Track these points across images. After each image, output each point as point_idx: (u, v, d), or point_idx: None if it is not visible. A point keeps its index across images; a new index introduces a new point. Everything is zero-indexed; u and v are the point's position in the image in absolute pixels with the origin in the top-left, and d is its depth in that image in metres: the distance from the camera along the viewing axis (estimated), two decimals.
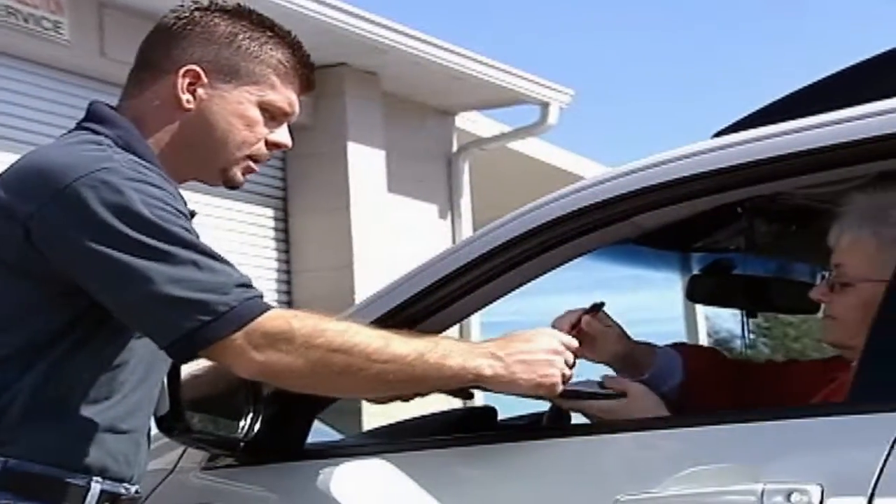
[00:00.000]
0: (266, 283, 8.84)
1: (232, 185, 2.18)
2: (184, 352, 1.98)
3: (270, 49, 2.14)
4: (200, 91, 2.11)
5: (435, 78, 9.18)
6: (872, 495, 1.74)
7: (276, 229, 9.00)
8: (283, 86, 2.15)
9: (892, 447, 1.75)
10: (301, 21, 7.87)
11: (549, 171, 10.46)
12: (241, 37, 2.13)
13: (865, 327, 2.11)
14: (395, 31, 8.68)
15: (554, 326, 2.30)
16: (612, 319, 2.37)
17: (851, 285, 2.19)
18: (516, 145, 10.42)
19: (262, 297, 1.99)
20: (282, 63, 2.15)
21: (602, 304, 2.36)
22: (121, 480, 2.08)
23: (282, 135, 2.17)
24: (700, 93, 38.30)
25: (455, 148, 9.95)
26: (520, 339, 2.07)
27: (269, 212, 8.96)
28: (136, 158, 2.04)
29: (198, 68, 2.11)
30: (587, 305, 2.35)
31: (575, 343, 2.13)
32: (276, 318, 1.97)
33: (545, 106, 9.77)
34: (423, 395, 2.14)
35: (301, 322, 1.97)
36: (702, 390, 2.36)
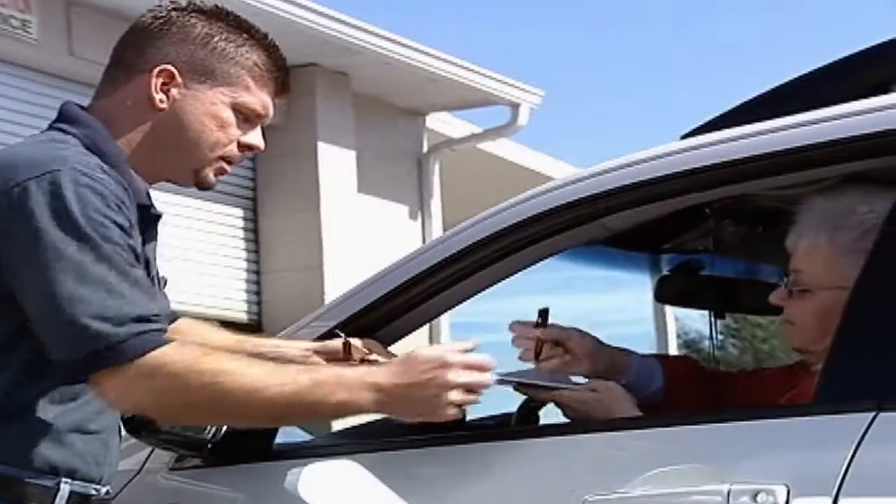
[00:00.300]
0: (236, 283, 8.82)
1: (204, 186, 2.17)
2: (68, 375, 1.97)
3: (246, 51, 2.14)
4: (174, 91, 2.11)
5: (405, 78, 9.18)
6: (838, 495, 1.75)
7: (245, 229, 8.97)
8: (257, 88, 2.15)
9: (857, 447, 1.76)
10: (271, 21, 7.84)
11: (519, 172, 10.48)
12: (217, 38, 2.13)
13: (824, 333, 2.13)
14: (366, 31, 8.68)
15: (517, 337, 2.32)
16: (582, 331, 2.38)
17: (809, 291, 2.20)
18: (486, 146, 10.43)
19: (160, 330, 1.96)
20: (257, 65, 2.14)
21: (546, 310, 2.37)
22: (91, 481, 2.07)
23: (254, 137, 2.17)
24: (671, 94, 38.46)
25: (425, 149, 9.95)
26: (411, 370, 2.02)
27: (239, 212, 8.93)
28: (97, 162, 2.03)
29: (172, 68, 2.11)
30: (536, 318, 2.36)
31: (481, 363, 2.05)
32: (160, 357, 1.93)
33: (515, 107, 9.78)
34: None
35: (185, 361, 1.94)
36: (682, 395, 2.38)
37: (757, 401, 2.33)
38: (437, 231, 9.67)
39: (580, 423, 2.20)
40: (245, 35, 2.15)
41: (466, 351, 2.06)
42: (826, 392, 1.89)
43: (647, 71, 38.85)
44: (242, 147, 2.16)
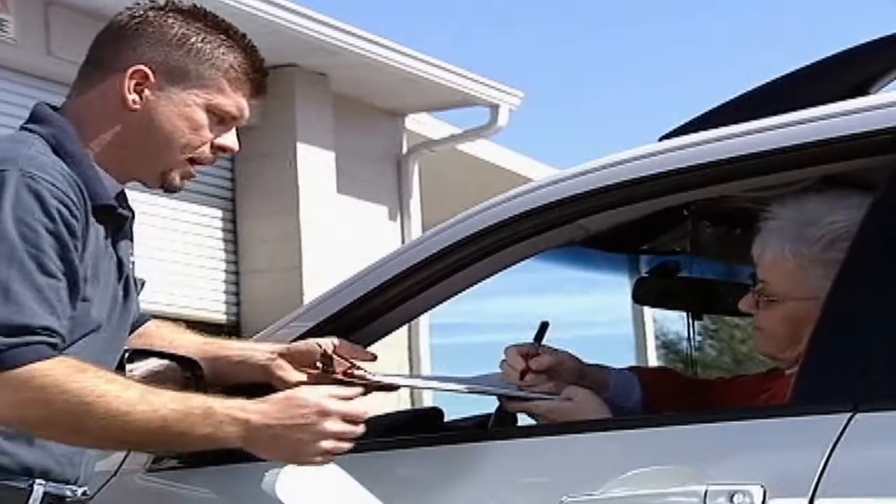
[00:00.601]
0: (214, 283, 8.80)
1: (169, 188, 2.16)
2: None
3: (223, 53, 2.12)
4: (147, 92, 2.10)
5: (385, 79, 9.17)
6: (813, 496, 1.75)
7: (224, 230, 8.95)
8: (232, 90, 2.13)
9: (832, 449, 1.77)
10: (250, 21, 7.82)
11: (498, 173, 10.48)
12: (193, 39, 2.11)
13: (792, 341, 2.14)
14: (346, 32, 8.67)
15: (506, 363, 2.31)
16: (559, 351, 2.37)
17: (776, 301, 2.20)
18: (466, 147, 10.43)
19: (45, 344, 1.94)
20: (233, 67, 2.13)
21: (546, 325, 2.37)
22: (65, 482, 2.06)
23: (229, 138, 2.16)
24: (650, 96, 38.56)
25: (405, 149, 9.95)
26: (287, 411, 2.00)
27: (218, 213, 8.91)
28: (54, 162, 2.01)
29: (146, 69, 2.10)
30: (532, 339, 2.35)
31: (357, 414, 2.04)
32: (31, 371, 1.91)
33: (495, 108, 9.79)
34: None
35: (54, 378, 1.92)
36: (661, 406, 2.38)
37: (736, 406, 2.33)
38: (416, 232, 9.67)
39: (558, 424, 2.20)
40: (223, 36, 2.14)
41: (347, 398, 2.05)
42: (802, 394, 1.90)
43: (627, 73, 38.94)
44: (216, 149, 2.15)
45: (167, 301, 8.17)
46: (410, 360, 9.47)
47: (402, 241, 9.51)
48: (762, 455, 1.84)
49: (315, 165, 8.99)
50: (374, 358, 2.28)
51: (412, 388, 1.90)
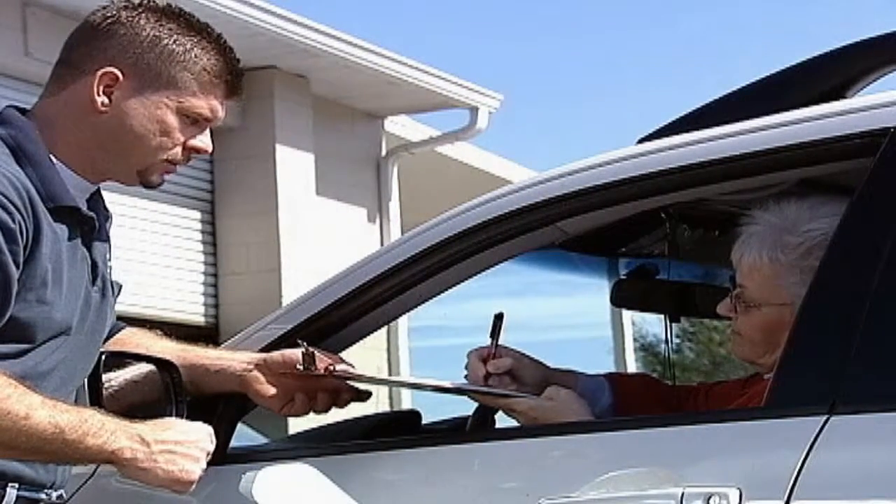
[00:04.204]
0: (193, 285, 8.79)
1: (148, 185, 2.14)
2: None
3: (196, 55, 2.09)
4: (117, 94, 2.07)
5: (365, 81, 9.17)
6: (789, 498, 1.76)
7: (203, 232, 8.93)
8: (205, 92, 2.10)
9: (808, 451, 1.77)
10: (230, 23, 7.81)
11: (478, 176, 10.49)
12: (166, 40, 2.08)
13: (770, 346, 2.15)
14: (326, 34, 8.66)
15: (470, 366, 2.31)
16: (518, 352, 2.37)
17: (754, 307, 2.21)
18: (445, 149, 10.44)
19: None
20: (206, 70, 2.10)
21: (501, 316, 2.36)
22: (40, 486, 2.05)
23: (202, 140, 2.13)
24: (629, 98, 38.64)
25: (384, 152, 9.95)
26: (175, 430, 2.05)
27: (197, 214, 8.89)
28: (5, 163, 1.98)
29: (117, 71, 2.07)
30: (493, 337, 2.34)
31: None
32: None
33: (474, 110, 9.80)
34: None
35: None
36: (632, 411, 2.38)
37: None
38: (395, 234, 9.67)
39: (536, 427, 2.20)
40: (197, 37, 2.11)
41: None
42: (778, 396, 1.90)
43: (606, 77, 39.02)
44: (189, 150, 2.13)
45: (145, 303, 8.15)
46: (389, 362, 9.47)
47: (382, 244, 9.51)
48: (738, 457, 1.85)
49: (294, 167, 8.99)
50: (351, 366, 2.27)
51: (392, 385, 1.88)
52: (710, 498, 1.79)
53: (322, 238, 9.01)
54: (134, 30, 2.09)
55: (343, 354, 2.32)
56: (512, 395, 2.26)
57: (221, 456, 2.26)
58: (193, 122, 2.12)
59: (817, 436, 1.78)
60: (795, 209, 2.18)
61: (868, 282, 1.87)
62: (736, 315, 2.24)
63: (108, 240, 2.16)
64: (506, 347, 2.34)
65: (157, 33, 2.09)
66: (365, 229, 9.75)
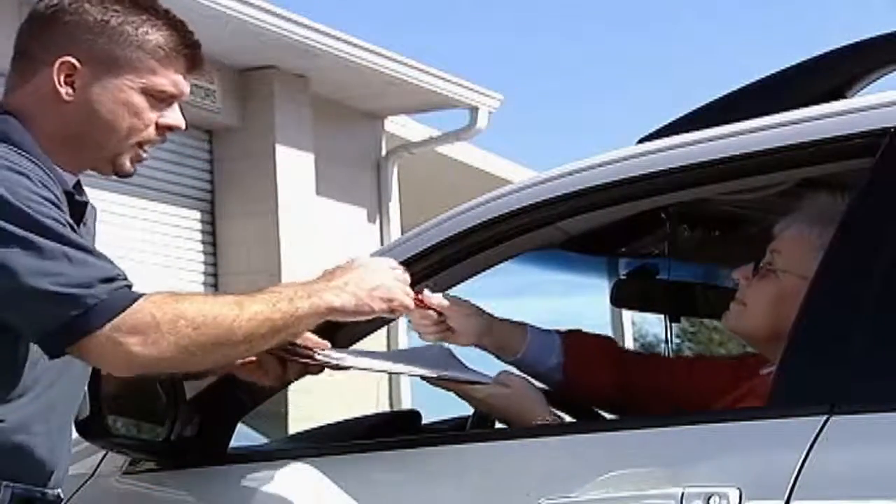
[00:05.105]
0: (193, 285, 8.78)
1: (122, 173, 2.12)
2: (52, 347, 1.93)
3: (146, 32, 2.07)
4: (79, 82, 2.06)
5: (365, 81, 9.17)
6: (789, 498, 1.76)
7: (203, 232, 8.93)
8: (164, 69, 2.08)
9: (808, 450, 1.77)
10: (230, 23, 7.80)
11: (478, 176, 10.49)
12: (113, 23, 2.06)
13: (772, 319, 2.15)
14: (326, 34, 8.66)
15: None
16: (459, 298, 2.34)
17: (774, 273, 2.22)
18: (445, 149, 10.44)
19: (130, 287, 1.95)
20: (160, 47, 2.08)
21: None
22: (35, 484, 2.04)
23: (173, 117, 2.11)
24: (629, 98, 38.64)
25: (384, 152, 9.95)
26: (352, 269, 2.07)
27: (197, 214, 8.89)
28: (12, 148, 1.99)
29: (73, 60, 2.05)
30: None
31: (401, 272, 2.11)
32: (139, 311, 1.92)
33: (474, 110, 9.80)
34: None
35: (161, 309, 1.93)
36: (582, 373, 2.37)
37: (690, 392, 2.34)
38: (395, 234, 9.67)
39: (535, 427, 2.20)
40: (145, 15, 2.08)
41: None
42: (779, 395, 1.90)
43: (606, 77, 39.02)
44: (162, 129, 2.11)
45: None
46: None
47: (381, 244, 9.51)
48: (738, 457, 1.85)
49: (294, 167, 8.98)
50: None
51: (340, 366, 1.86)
52: (710, 498, 1.79)
53: (322, 238, 9.01)
54: (80, 16, 2.07)
55: None
56: (470, 382, 2.25)
57: (221, 456, 2.27)
58: (161, 100, 2.10)
59: (817, 435, 1.78)
60: (846, 198, 2.18)
61: (868, 282, 1.87)
62: (748, 282, 2.25)
63: (89, 227, 2.14)
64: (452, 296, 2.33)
65: (104, 17, 2.07)
66: (365, 229, 9.75)
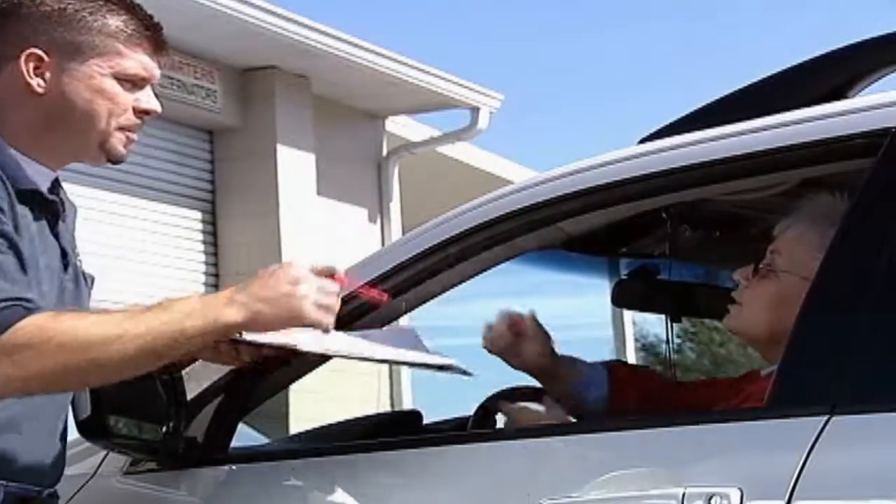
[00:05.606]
0: (194, 286, 8.78)
1: (114, 158, 2.11)
2: None
3: (104, 16, 2.07)
4: (48, 73, 2.05)
5: (366, 82, 9.18)
6: (791, 498, 1.76)
7: (204, 232, 8.94)
8: (130, 51, 2.08)
9: (810, 451, 1.78)
10: (231, 23, 7.81)
11: (478, 176, 10.50)
12: (70, 10, 2.06)
13: (769, 320, 2.16)
14: (327, 34, 8.67)
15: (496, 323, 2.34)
16: (545, 329, 2.39)
17: (774, 273, 2.22)
18: (446, 150, 10.44)
19: (24, 306, 1.90)
20: (122, 30, 2.07)
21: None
22: (30, 483, 2.03)
23: (148, 101, 2.11)
24: (630, 99, 38.63)
25: (385, 152, 9.95)
26: (258, 279, 1.98)
27: (197, 214, 8.89)
28: None
29: (38, 51, 2.04)
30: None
31: (329, 268, 2.01)
32: (21, 329, 1.88)
33: (475, 110, 9.81)
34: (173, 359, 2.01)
35: (40, 329, 1.89)
36: (626, 405, 2.39)
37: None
38: (395, 234, 9.67)
39: (536, 427, 2.20)
40: (100, 1, 2.08)
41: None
42: (779, 396, 1.90)
43: (607, 77, 39.02)
44: (139, 113, 2.10)
45: (146, 303, 8.14)
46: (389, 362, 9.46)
47: (382, 244, 9.52)
48: (740, 457, 1.85)
49: (295, 167, 8.99)
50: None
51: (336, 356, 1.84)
52: (711, 498, 1.79)
53: (323, 238, 9.01)
54: (37, 7, 2.06)
55: None
56: (431, 366, 2.20)
57: (223, 456, 2.27)
58: (133, 84, 2.09)
59: (818, 436, 1.78)
60: (848, 198, 2.18)
61: (869, 282, 1.87)
62: (749, 282, 2.25)
63: (65, 223, 2.12)
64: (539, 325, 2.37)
65: (61, 5, 2.06)
66: (366, 229, 9.75)
